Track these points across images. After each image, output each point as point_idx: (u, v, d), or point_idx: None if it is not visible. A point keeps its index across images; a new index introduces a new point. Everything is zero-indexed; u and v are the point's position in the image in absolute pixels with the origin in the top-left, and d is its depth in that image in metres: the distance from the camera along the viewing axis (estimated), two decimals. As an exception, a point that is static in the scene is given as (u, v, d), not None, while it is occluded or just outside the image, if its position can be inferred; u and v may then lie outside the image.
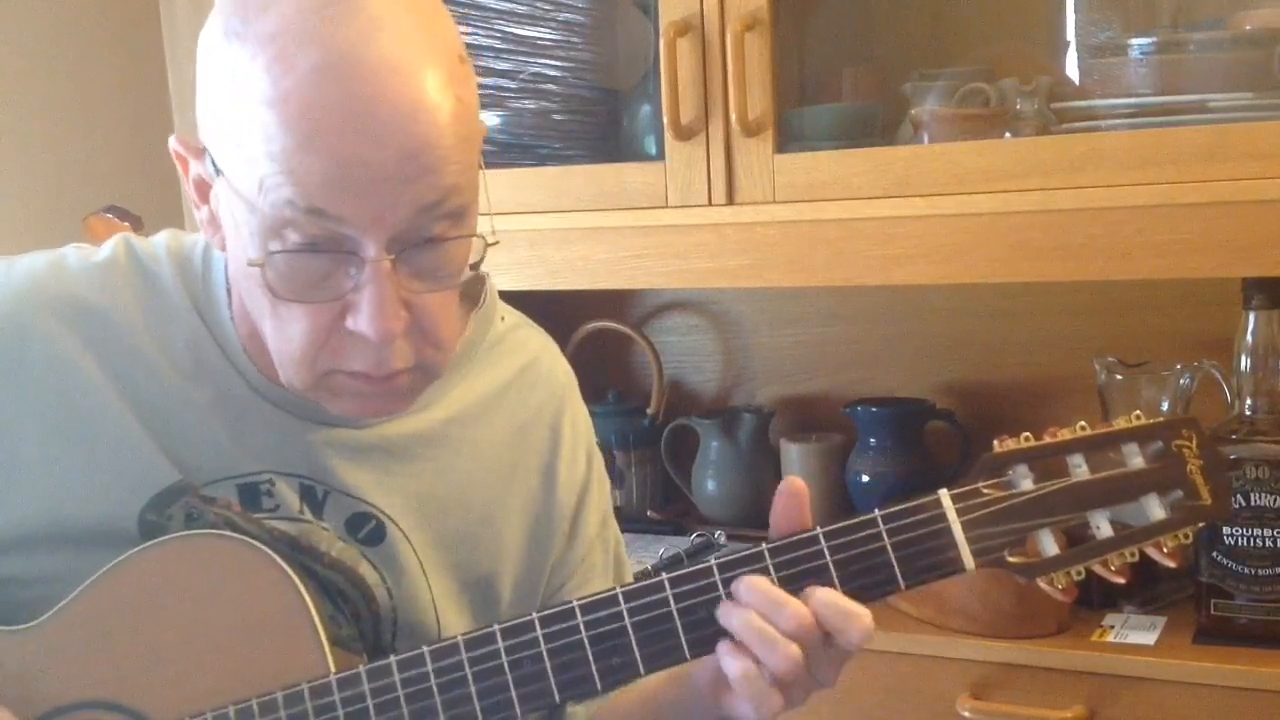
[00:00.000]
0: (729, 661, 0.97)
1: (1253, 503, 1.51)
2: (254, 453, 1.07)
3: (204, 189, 1.02)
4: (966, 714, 1.59)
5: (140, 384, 1.06)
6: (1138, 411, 1.01)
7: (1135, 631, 1.59)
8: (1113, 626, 1.61)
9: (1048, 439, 1.00)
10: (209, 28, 0.98)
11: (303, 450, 1.08)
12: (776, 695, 0.97)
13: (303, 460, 1.08)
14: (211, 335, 1.08)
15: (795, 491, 1.01)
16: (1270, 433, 1.52)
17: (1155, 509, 0.99)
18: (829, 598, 0.97)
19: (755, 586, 0.97)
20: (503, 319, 1.20)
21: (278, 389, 1.06)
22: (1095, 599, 1.65)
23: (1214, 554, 1.54)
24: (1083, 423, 1.00)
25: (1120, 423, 1.01)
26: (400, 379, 1.00)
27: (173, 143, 1.04)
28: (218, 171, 0.98)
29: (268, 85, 0.92)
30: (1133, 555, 0.99)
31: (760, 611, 0.96)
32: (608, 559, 1.23)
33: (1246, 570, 1.53)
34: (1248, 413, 1.54)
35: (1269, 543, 1.51)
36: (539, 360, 1.21)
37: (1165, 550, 0.99)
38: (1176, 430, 1.00)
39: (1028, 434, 1.00)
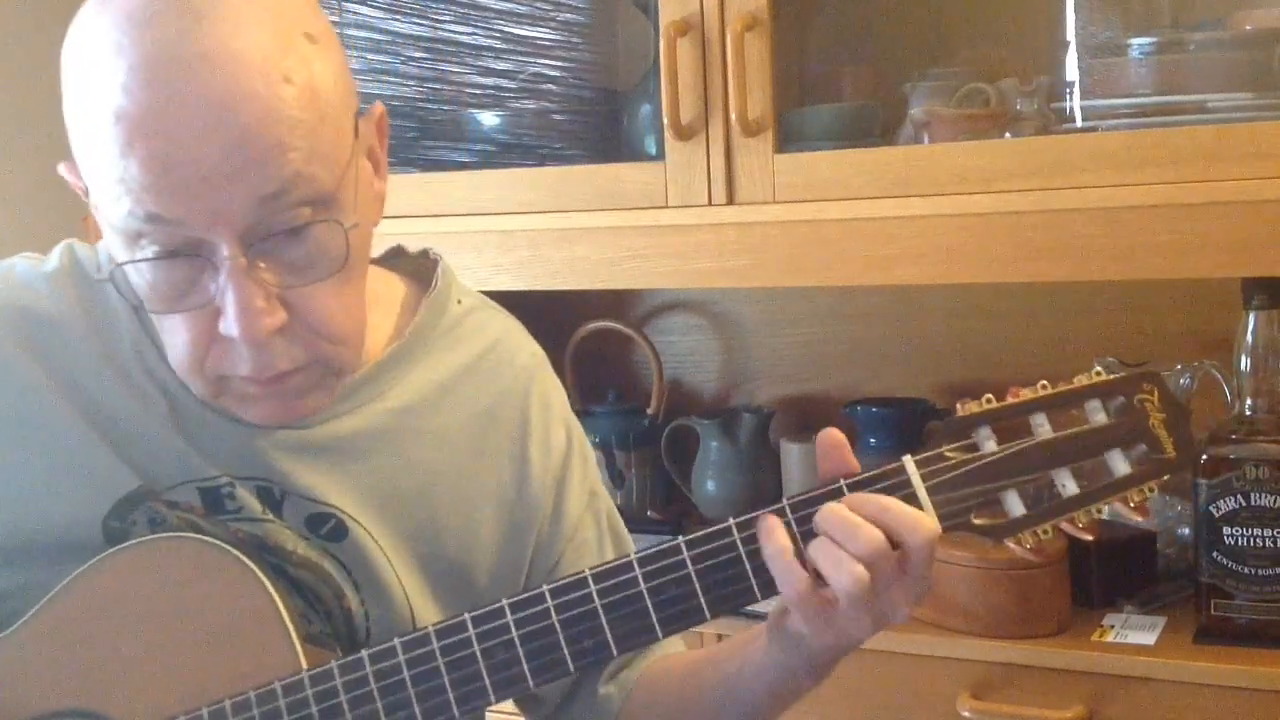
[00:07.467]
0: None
1: (1253, 503, 1.51)
2: (209, 456, 1.05)
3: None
4: (966, 714, 1.59)
5: (91, 392, 1.04)
6: (1098, 368, 1.00)
7: (1135, 631, 1.59)
8: (1113, 626, 1.61)
9: (1010, 399, 0.99)
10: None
11: (254, 453, 1.05)
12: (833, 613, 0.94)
13: (256, 463, 1.05)
14: (152, 341, 1.05)
15: (837, 443, 0.99)
16: (1270, 433, 1.52)
17: (1120, 464, 0.97)
18: (885, 502, 0.95)
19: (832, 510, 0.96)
20: (459, 302, 1.16)
21: None
22: (1095, 598, 1.65)
23: (1214, 554, 1.54)
24: (1044, 381, 0.99)
25: (1081, 379, 0.99)
26: (294, 379, 0.97)
27: (62, 170, 1.00)
28: (86, 193, 0.96)
29: (90, 100, 0.91)
30: (1099, 511, 0.98)
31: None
32: (600, 531, 1.20)
33: (1246, 570, 1.52)
34: (1248, 413, 1.54)
35: (1269, 543, 1.51)
36: (500, 343, 1.17)
37: (1132, 505, 0.98)
38: (1137, 385, 0.98)
39: (989, 395, 0.99)
